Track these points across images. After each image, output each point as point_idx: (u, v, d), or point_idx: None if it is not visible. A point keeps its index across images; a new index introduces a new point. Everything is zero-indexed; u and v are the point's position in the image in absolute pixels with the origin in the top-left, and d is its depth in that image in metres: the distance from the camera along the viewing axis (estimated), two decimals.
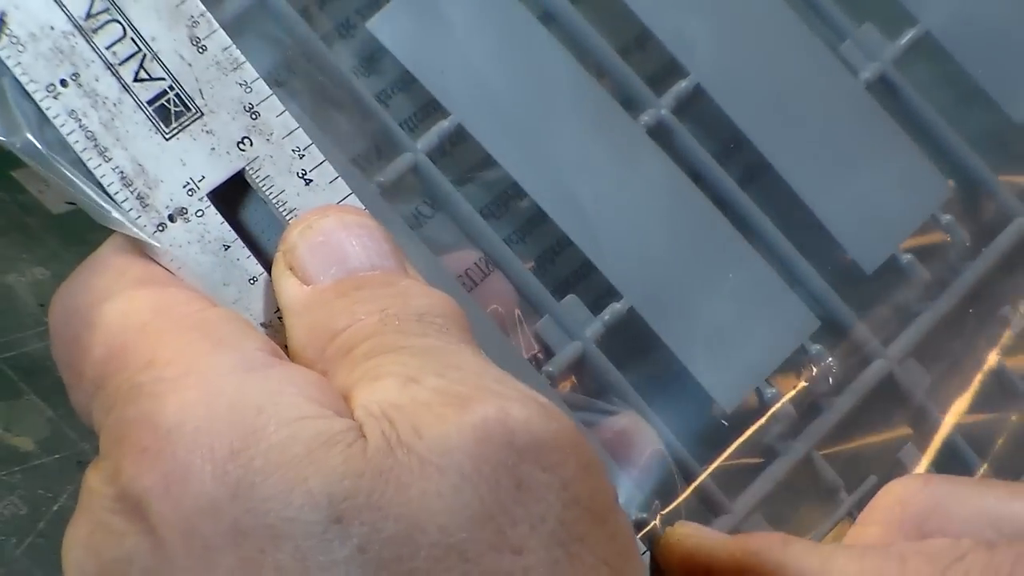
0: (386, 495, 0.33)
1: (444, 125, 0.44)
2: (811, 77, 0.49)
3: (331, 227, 0.37)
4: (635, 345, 0.45)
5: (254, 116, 0.34)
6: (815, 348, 0.46)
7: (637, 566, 0.35)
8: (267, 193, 0.35)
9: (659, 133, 0.47)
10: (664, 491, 0.43)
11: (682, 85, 0.47)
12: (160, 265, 0.37)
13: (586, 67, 0.46)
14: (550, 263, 0.46)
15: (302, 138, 0.35)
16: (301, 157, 0.35)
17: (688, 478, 0.44)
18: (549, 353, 0.44)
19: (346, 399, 0.35)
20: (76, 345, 0.37)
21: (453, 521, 0.32)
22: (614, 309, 0.45)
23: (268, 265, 0.35)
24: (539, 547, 0.33)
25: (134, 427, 0.35)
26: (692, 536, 0.40)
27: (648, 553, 0.41)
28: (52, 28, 0.34)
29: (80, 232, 0.48)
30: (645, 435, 0.44)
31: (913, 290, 0.48)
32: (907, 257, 0.48)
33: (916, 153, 0.49)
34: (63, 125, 0.33)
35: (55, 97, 0.34)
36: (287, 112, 0.35)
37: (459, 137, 0.44)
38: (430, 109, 0.44)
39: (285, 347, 0.37)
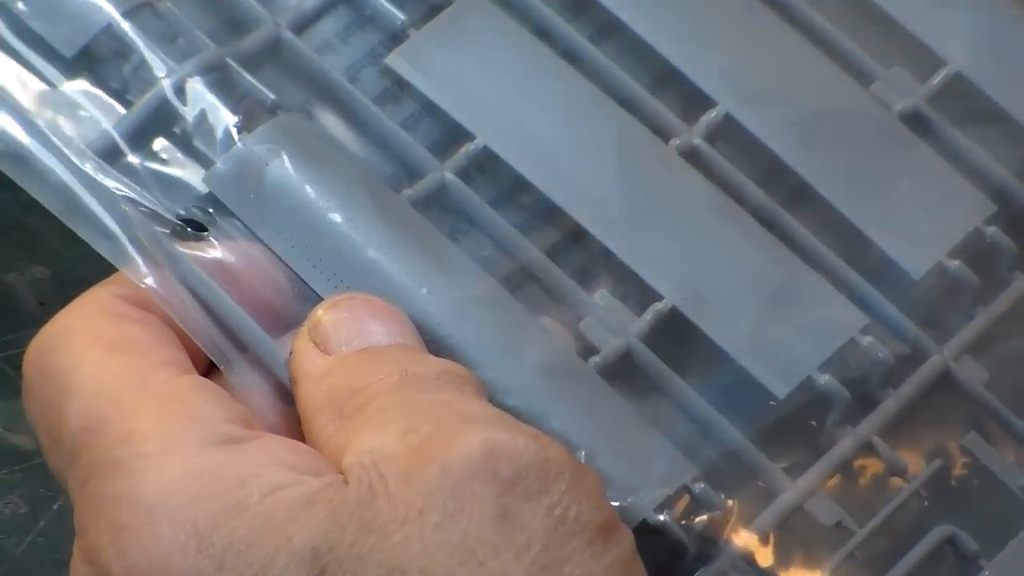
0: (367, 543, 0.34)
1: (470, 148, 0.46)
2: (843, 110, 0.50)
3: (357, 307, 0.39)
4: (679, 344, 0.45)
5: None
6: (867, 340, 0.46)
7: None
8: None
9: (692, 157, 0.48)
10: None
11: (712, 115, 0.49)
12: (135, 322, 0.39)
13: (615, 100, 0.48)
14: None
15: None
16: None
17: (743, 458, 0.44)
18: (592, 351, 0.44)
19: (343, 450, 0.36)
20: (51, 410, 0.38)
21: (434, 560, 0.34)
22: (656, 309, 0.45)
23: None
24: (522, 573, 0.34)
25: (112, 504, 0.35)
26: None
27: None
28: None
29: None
30: None
31: (965, 294, 0.48)
32: (955, 263, 0.48)
33: (955, 176, 0.50)
34: None
35: None
36: None
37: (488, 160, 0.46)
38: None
39: None
